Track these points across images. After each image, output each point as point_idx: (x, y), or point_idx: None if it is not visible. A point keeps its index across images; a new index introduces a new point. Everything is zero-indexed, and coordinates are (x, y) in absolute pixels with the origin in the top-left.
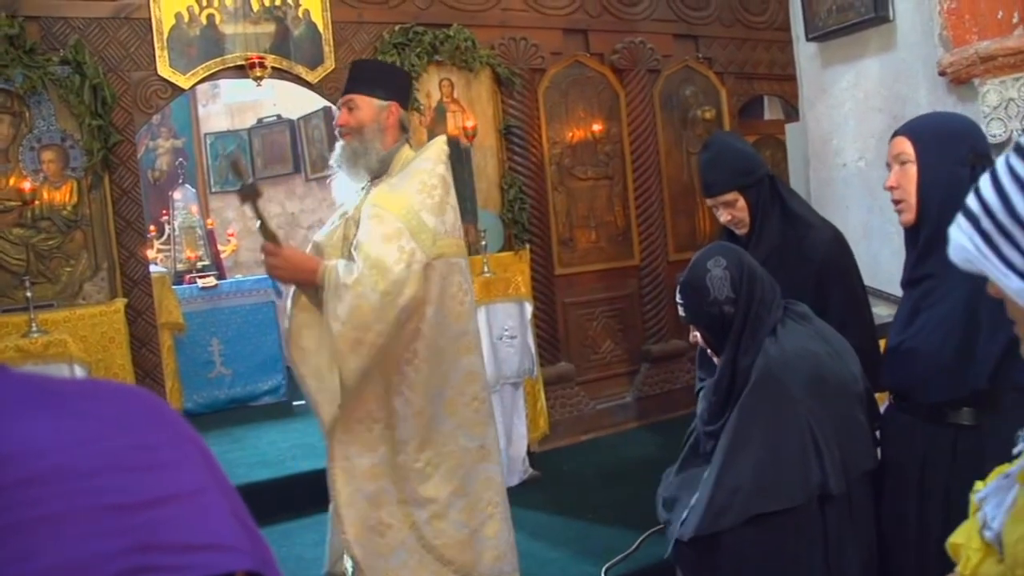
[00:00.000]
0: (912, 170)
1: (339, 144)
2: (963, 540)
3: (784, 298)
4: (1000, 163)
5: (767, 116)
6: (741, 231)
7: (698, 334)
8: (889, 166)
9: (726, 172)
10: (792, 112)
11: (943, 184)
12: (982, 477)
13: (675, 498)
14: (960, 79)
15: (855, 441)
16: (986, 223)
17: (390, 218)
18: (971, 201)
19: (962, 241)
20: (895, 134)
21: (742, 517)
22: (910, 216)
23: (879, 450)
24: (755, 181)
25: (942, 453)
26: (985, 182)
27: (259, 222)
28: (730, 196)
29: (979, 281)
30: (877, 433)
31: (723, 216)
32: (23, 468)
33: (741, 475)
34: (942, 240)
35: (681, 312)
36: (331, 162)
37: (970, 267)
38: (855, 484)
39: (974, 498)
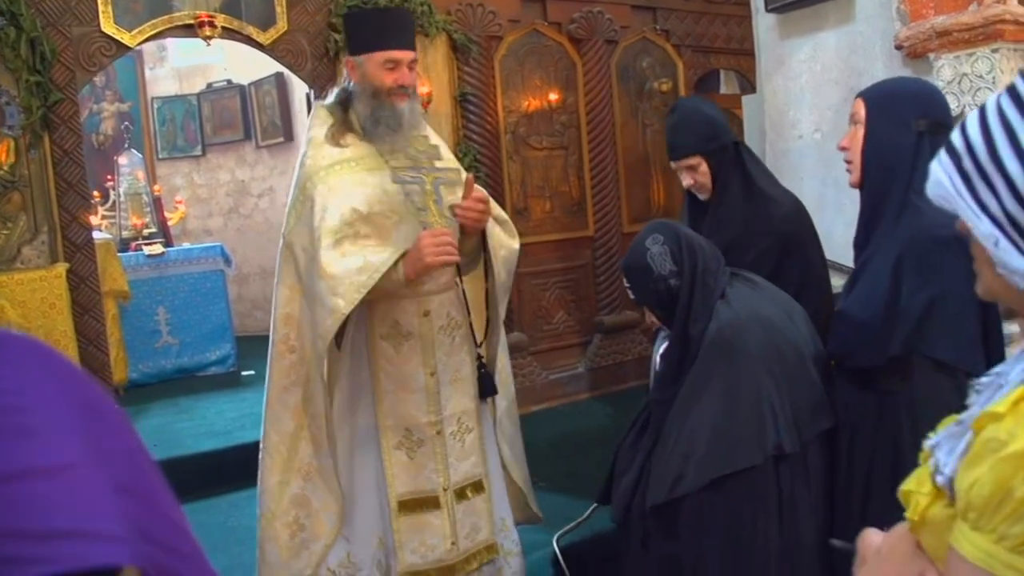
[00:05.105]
0: (861, 132)
1: (404, 106)
2: (914, 487)
3: (746, 268)
4: (990, 103)
5: (723, 90)
6: (703, 196)
7: (653, 316)
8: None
9: (690, 136)
10: (748, 87)
11: (885, 148)
12: (899, 447)
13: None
14: (916, 53)
15: (808, 401)
16: (967, 163)
17: None
18: (955, 138)
19: (940, 177)
20: (857, 95)
21: (702, 481)
22: (855, 177)
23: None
24: (719, 147)
25: (868, 419)
26: (972, 121)
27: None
28: (693, 160)
29: (907, 247)
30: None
31: (686, 180)
32: None
33: (697, 439)
34: (882, 208)
35: (631, 295)
36: (406, 122)
37: (944, 204)
38: (809, 445)
39: (925, 445)
